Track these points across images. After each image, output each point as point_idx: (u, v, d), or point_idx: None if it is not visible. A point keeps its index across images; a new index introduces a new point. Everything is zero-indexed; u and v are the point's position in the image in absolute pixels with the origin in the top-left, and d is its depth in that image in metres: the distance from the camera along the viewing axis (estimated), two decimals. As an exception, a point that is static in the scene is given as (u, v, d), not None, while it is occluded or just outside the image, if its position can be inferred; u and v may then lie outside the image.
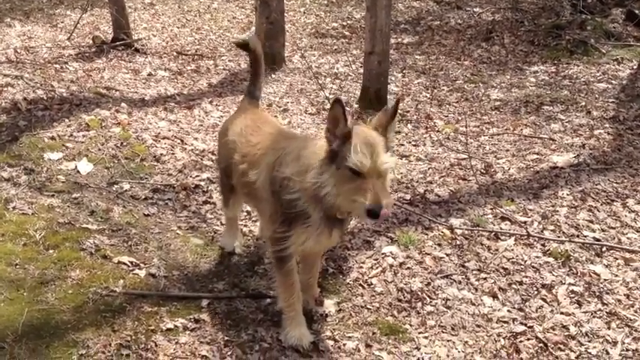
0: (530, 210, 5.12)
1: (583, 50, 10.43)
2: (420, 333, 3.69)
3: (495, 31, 11.76)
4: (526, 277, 4.25)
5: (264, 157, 3.49)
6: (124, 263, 4.10)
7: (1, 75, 7.64)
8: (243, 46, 4.24)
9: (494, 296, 4.05)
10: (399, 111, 3.18)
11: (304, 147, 3.27)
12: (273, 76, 9.52)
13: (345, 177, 2.96)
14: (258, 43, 4.22)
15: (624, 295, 4.08)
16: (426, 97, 8.64)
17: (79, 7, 12.84)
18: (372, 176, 2.92)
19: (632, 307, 3.97)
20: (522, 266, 4.36)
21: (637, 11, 11.24)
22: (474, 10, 13.15)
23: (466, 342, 3.63)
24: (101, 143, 5.95)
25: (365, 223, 3.15)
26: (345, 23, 13.26)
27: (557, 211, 5.09)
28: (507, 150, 6.60)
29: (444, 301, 3.99)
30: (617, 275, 4.28)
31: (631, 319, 3.84)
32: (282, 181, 3.27)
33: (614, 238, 4.75)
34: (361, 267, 4.33)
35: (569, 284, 4.17)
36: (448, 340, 3.64)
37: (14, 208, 4.60)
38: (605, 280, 4.22)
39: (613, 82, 9.07)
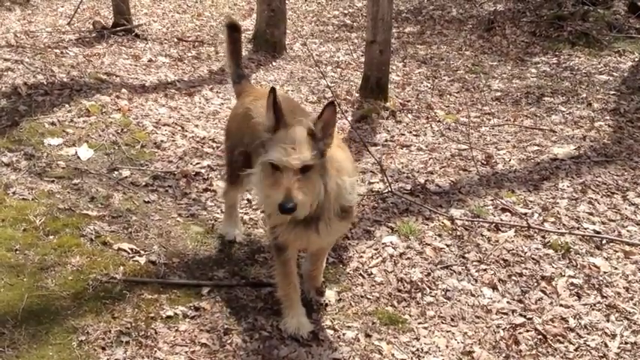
0: (531, 201, 5.12)
1: (585, 42, 10.40)
2: (419, 323, 3.69)
3: (497, 21, 11.71)
4: (526, 268, 4.25)
5: None
6: (124, 250, 4.10)
7: (2, 59, 7.59)
8: (233, 25, 4.34)
9: (494, 287, 4.06)
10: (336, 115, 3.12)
11: None
12: (274, 63, 9.49)
13: (267, 174, 2.98)
14: (240, 25, 4.45)
15: (624, 288, 4.09)
16: (427, 86, 8.62)
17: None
18: (288, 172, 2.91)
19: (632, 300, 3.97)
20: (522, 258, 4.36)
21: (639, 3, 11.19)
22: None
23: (465, 333, 3.63)
24: (101, 129, 5.93)
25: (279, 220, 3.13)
26: (346, 11, 13.21)
27: (558, 202, 5.09)
28: (508, 141, 6.59)
29: (443, 292, 3.99)
30: (616, 268, 4.28)
31: (630, 312, 3.85)
32: None
33: (614, 230, 4.75)
34: (361, 257, 4.33)
35: (569, 276, 4.17)
36: (447, 331, 3.64)
37: (14, 193, 4.60)
38: (604, 272, 4.23)
39: (614, 74, 9.05)
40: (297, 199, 2.88)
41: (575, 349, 3.54)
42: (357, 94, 7.92)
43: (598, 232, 4.70)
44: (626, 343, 3.61)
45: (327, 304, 3.80)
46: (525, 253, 4.42)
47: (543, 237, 4.60)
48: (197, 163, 5.53)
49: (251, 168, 3.92)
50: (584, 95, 8.07)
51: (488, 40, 11.09)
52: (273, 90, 3.01)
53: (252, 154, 3.89)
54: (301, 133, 3.00)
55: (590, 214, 4.96)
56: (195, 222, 4.65)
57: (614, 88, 8.38)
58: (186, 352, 3.29)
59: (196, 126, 6.44)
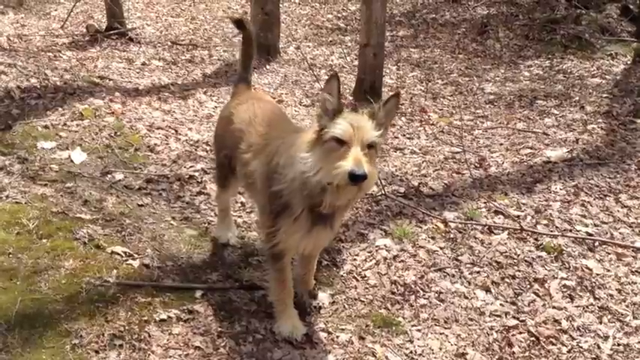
0: (524, 204, 5.13)
1: (577, 45, 10.45)
2: (413, 326, 3.70)
3: (490, 25, 11.75)
4: (519, 271, 4.27)
5: (267, 148, 3.48)
6: (118, 253, 4.08)
7: (-6, 63, 7.59)
8: (239, 23, 4.29)
9: (487, 290, 4.07)
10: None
11: (299, 136, 3.25)
12: (267, 67, 9.50)
13: (330, 149, 2.94)
14: (249, 23, 4.35)
15: (616, 289, 4.11)
16: (421, 90, 8.64)
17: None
18: (356, 145, 2.90)
19: (624, 301, 3.99)
20: (515, 260, 4.38)
21: (631, 6, 11.25)
22: (469, 3, 13.13)
23: (459, 335, 3.64)
24: (95, 133, 5.92)
25: (348, 194, 3.03)
26: (340, 15, 13.24)
27: (551, 205, 5.11)
28: (501, 144, 6.61)
29: (437, 294, 4.00)
30: (609, 270, 4.30)
31: (622, 314, 3.87)
32: (274, 170, 3.27)
33: (607, 232, 4.77)
34: (355, 259, 4.33)
35: (562, 278, 4.19)
36: (441, 333, 3.65)
37: (7, 197, 4.57)
38: (597, 274, 4.25)
39: (607, 77, 9.09)
40: (368, 168, 2.85)
41: (568, 351, 3.56)
42: (350, 98, 7.94)
43: (590, 235, 4.72)
44: (618, 344, 3.63)
45: (320, 307, 3.80)
46: (518, 255, 4.43)
47: (536, 239, 4.62)
48: (191, 167, 5.52)
49: (234, 171, 3.93)
50: (577, 98, 8.10)
51: (482, 44, 11.13)
52: (336, 76, 3.06)
53: (232, 158, 3.90)
54: (364, 115, 3.05)
55: (583, 216, 4.98)
56: (189, 225, 4.64)
57: (607, 91, 8.41)
58: (179, 355, 3.28)
59: (190, 129, 6.43)
